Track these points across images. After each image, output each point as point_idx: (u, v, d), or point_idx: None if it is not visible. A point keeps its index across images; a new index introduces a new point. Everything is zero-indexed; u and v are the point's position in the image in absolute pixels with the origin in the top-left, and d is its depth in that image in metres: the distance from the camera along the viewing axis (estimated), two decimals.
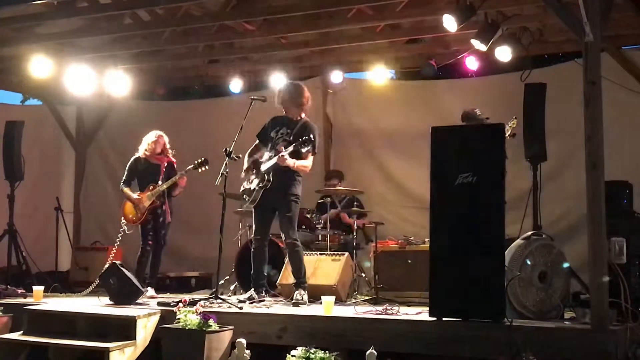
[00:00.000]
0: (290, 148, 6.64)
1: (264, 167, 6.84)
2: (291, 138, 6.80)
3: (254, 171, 6.98)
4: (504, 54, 7.92)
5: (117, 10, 8.24)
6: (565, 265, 5.87)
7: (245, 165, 7.08)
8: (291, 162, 6.67)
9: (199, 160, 7.69)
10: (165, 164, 7.86)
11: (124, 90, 9.68)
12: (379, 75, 9.43)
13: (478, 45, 7.46)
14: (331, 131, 10.16)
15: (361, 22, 8.47)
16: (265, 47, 9.45)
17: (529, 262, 5.69)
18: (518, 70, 7.81)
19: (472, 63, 8.81)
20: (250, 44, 9.50)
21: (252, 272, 7.02)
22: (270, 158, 6.84)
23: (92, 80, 9.33)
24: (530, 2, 7.32)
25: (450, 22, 7.12)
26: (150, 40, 9.25)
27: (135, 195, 7.77)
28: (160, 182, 7.71)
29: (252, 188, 6.91)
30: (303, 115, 7.01)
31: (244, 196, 7.01)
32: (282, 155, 6.60)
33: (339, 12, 8.21)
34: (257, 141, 7.14)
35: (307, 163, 6.82)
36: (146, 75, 10.43)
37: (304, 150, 6.65)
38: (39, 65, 8.75)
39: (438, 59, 8.96)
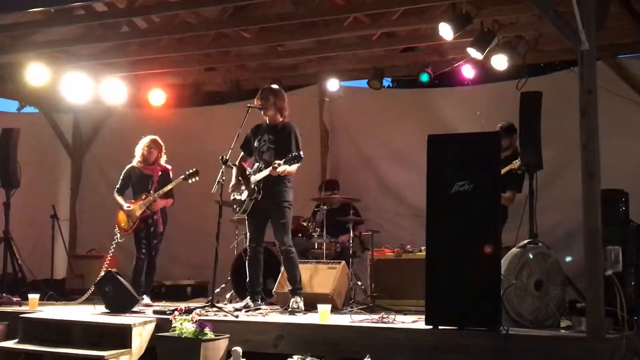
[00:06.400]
0: (282, 165, 6.63)
1: (254, 179, 6.87)
2: (274, 145, 6.88)
3: (243, 182, 7.00)
4: (500, 62, 7.93)
5: (114, 18, 8.25)
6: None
7: (234, 177, 7.10)
8: (281, 169, 6.69)
9: (190, 172, 7.70)
10: (159, 173, 7.86)
11: (121, 98, 9.67)
12: (375, 83, 9.43)
13: (474, 53, 7.49)
14: (327, 139, 10.15)
15: (357, 30, 8.49)
16: (262, 55, 9.46)
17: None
18: (514, 79, 7.82)
19: (468, 71, 8.84)
20: (247, 52, 9.51)
21: (247, 280, 7.03)
22: (259, 169, 6.87)
23: (88, 88, 9.31)
24: (526, 11, 7.33)
25: (446, 31, 7.14)
26: (146, 48, 9.25)
27: (126, 204, 7.78)
28: (152, 192, 7.72)
29: (242, 199, 6.96)
30: (281, 119, 7.04)
31: (234, 206, 7.07)
32: (275, 169, 6.62)
33: (336, 20, 8.23)
34: (242, 153, 7.18)
35: (294, 167, 6.87)
36: (143, 83, 10.42)
37: (294, 167, 6.75)
38: (36, 73, 8.74)
39: (434, 67, 8.97)
